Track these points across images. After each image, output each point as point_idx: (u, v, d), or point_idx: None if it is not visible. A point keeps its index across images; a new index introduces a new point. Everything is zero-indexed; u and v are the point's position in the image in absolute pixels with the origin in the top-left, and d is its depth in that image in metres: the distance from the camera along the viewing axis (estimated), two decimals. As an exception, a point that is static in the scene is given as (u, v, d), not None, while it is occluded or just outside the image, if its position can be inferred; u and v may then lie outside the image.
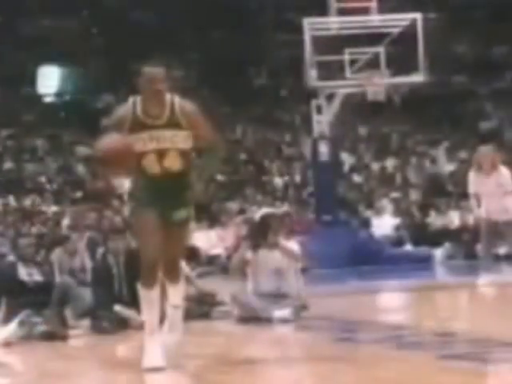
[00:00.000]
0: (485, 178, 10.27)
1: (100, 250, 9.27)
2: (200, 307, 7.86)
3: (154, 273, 5.32)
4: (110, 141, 5.17)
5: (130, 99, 5.40)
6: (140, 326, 6.43)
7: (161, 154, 5.27)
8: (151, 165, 5.27)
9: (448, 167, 18.54)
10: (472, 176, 10.49)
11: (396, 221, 15.25)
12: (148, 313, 5.36)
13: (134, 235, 5.59)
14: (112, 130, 5.28)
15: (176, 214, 5.32)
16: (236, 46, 22.13)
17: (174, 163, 5.29)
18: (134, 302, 7.37)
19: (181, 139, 5.31)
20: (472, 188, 10.45)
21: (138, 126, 5.29)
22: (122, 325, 7.39)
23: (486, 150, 10.76)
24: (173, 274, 5.44)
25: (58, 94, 23.52)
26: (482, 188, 10.29)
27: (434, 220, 15.27)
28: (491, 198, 10.22)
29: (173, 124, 5.30)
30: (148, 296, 5.34)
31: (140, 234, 5.40)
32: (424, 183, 18.14)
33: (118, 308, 7.53)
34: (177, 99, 5.35)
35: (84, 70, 23.09)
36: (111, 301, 7.58)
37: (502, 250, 11.58)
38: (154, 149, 5.27)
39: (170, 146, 5.29)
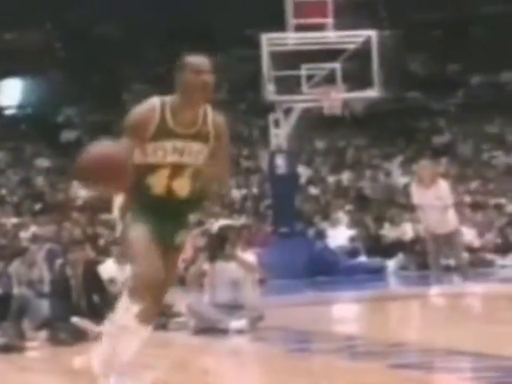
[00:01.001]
0: (425, 190, 10.63)
1: (58, 262, 9.30)
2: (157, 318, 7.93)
3: (159, 302, 4.36)
4: (99, 148, 4.04)
5: (156, 100, 4.35)
6: (97, 338, 6.50)
7: (175, 172, 4.32)
8: (158, 183, 4.32)
9: (402, 180, 18.81)
10: (413, 188, 10.92)
11: (351, 232, 15.41)
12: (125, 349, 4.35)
13: (128, 255, 4.44)
14: (131, 134, 4.25)
15: (177, 238, 4.43)
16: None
17: (184, 186, 4.36)
18: (91, 314, 7.49)
19: (203, 156, 4.38)
20: (415, 199, 10.84)
21: (163, 133, 4.31)
22: (80, 336, 7.40)
23: (425, 164, 11.17)
24: (154, 310, 4.38)
25: (20, 107, 23.39)
26: (422, 200, 10.66)
27: (388, 232, 15.46)
28: (431, 210, 10.57)
29: (202, 136, 4.38)
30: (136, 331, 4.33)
31: (139, 251, 4.27)
32: (378, 196, 18.39)
33: (75, 319, 7.55)
34: (208, 107, 4.46)
35: (46, 83, 22.98)
36: (69, 312, 7.61)
37: (452, 261, 11.83)
38: (173, 163, 4.32)
39: (192, 161, 4.34)
